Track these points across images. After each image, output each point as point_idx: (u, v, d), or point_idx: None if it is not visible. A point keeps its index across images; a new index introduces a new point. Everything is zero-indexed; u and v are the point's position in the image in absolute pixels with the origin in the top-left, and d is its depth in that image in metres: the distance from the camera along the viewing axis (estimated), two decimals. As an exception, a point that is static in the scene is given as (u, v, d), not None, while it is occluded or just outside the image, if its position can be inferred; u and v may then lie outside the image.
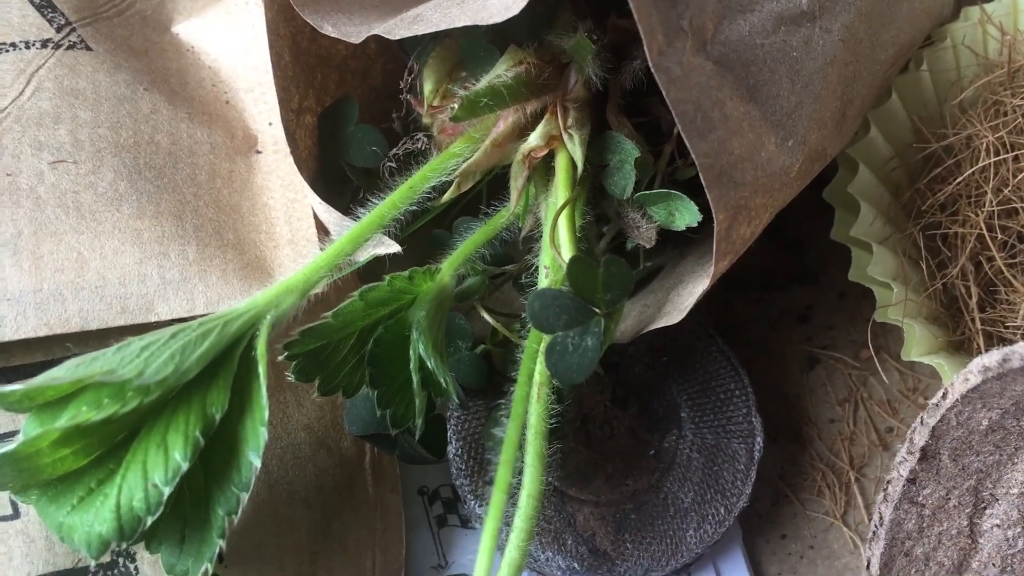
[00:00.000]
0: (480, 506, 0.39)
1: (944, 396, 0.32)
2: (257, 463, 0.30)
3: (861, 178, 0.41)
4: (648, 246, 0.34)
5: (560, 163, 0.35)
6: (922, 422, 0.33)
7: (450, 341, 0.38)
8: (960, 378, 0.31)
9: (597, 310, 0.30)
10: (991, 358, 0.29)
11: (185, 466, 0.29)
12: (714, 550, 0.40)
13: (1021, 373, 0.29)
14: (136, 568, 0.33)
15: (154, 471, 0.29)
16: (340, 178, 0.39)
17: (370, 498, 0.38)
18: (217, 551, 0.31)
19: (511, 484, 0.30)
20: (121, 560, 0.33)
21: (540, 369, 0.34)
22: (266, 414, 0.30)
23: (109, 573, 0.32)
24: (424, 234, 0.40)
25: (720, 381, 0.41)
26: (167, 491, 0.29)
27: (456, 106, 0.32)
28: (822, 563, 0.41)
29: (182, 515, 0.32)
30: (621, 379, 0.41)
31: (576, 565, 0.38)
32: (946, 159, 0.41)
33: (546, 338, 0.31)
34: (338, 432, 0.38)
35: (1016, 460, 0.34)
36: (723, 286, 0.46)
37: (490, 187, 0.40)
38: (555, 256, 0.33)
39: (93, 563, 0.32)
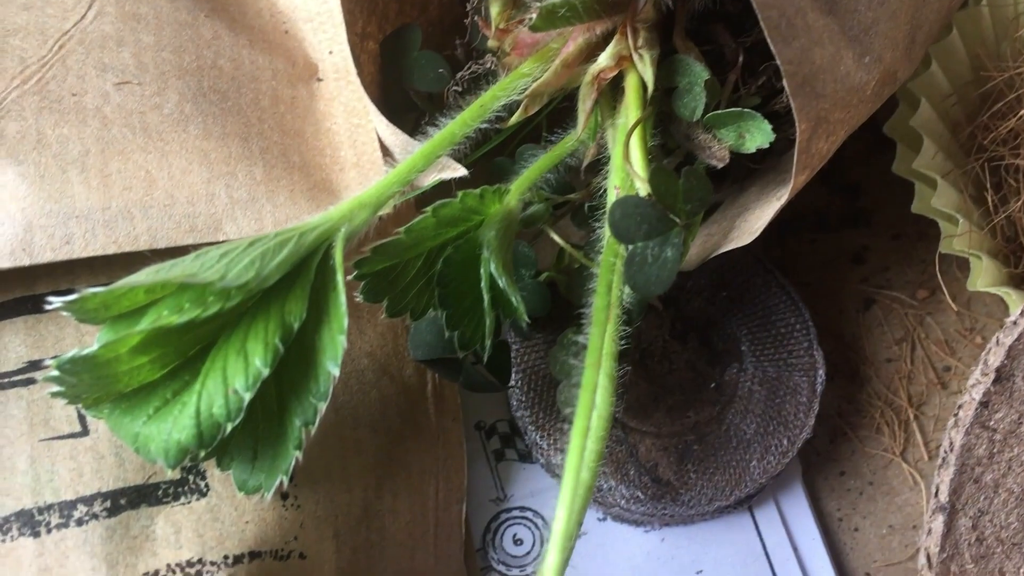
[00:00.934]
0: (541, 437, 0.39)
1: (1022, 313, 0.32)
2: (336, 372, 0.30)
3: (923, 112, 0.41)
4: (720, 166, 0.34)
5: (630, 83, 0.35)
6: (998, 342, 0.33)
7: (515, 268, 0.38)
8: (1041, 292, 0.31)
9: (677, 220, 0.30)
10: (1078, 267, 0.29)
11: (266, 372, 0.29)
12: (775, 486, 0.40)
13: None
14: (207, 485, 0.33)
15: (234, 377, 0.29)
16: (403, 105, 0.39)
17: (432, 426, 0.38)
18: (293, 463, 0.31)
19: (596, 384, 0.30)
20: (191, 477, 0.33)
21: (613, 293, 0.34)
22: (345, 322, 0.30)
23: (179, 489, 0.32)
24: (486, 165, 0.39)
25: (780, 315, 0.41)
26: (247, 396, 0.29)
27: (535, 16, 0.32)
28: (881, 499, 0.41)
29: (254, 431, 0.32)
30: (680, 314, 0.41)
31: (640, 494, 0.38)
32: (1007, 94, 0.41)
33: (623, 251, 0.31)
34: (400, 360, 0.38)
35: (1091, 382, 0.33)
36: (777, 228, 0.46)
37: (550, 119, 0.40)
38: (628, 173, 0.32)
39: (167, 476, 0.32)
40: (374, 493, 0.35)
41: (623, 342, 0.34)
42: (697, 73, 0.35)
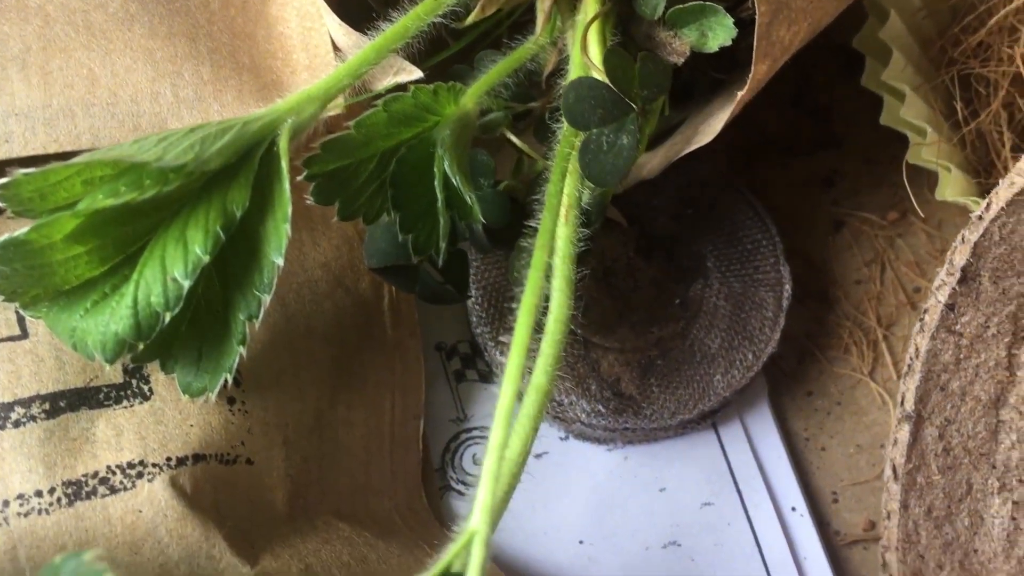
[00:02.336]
0: (501, 354, 0.38)
1: (987, 207, 0.31)
2: (280, 262, 0.29)
3: (892, 24, 0.40)
4: (680, 61, 0.33)
5: (589, -20, 0.34)
6: (963, 240, 0.32)
7: (473, 179, 0.37)
8: (1005, 183, 0.30)
9: (634, 105, 0.29)
10: (1043, 149, 0.28)
11: (206, 259, 0.28)
12: (740, 406, 0.39)
13: (1073, 169, 0.29)
14: (151, 389, 0.32)
15: (173, 265, 0.28)
16: (360, 10, 0.37)
17: (389, 340, 0.37)
18: (236, 360, 0.30)
19: (547, 264, 0.29)
20: (135, 381, 0.32)
21: (568, 191, 0.33)
22: (288, 210, 0.29)
23: (122, 393, 0.31)
24: (445, 74, 0.38)
25: (747, 232, 0.40)
26: (187, 284, 0.28)
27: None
28: (849, 419, 0.41)
29: (199, 333, 0.31)
30: (646, 231, 0.40)
31: (601, 408, 0.37)
32: (978, 6, 0.40)
33: (579, 142, 0.30)
34: (356, 273, 0.37)
35: (1059, 282, 0.33)
36: (748, 152, 0.45)
37: (511, 30, 0.39)
38: (587, 67, 0.32)
39: (109, 380, 0.31)
40: (327, 404, 0.35)
41: (582, 245, 0.33)
42: (658, -29, 0.34)
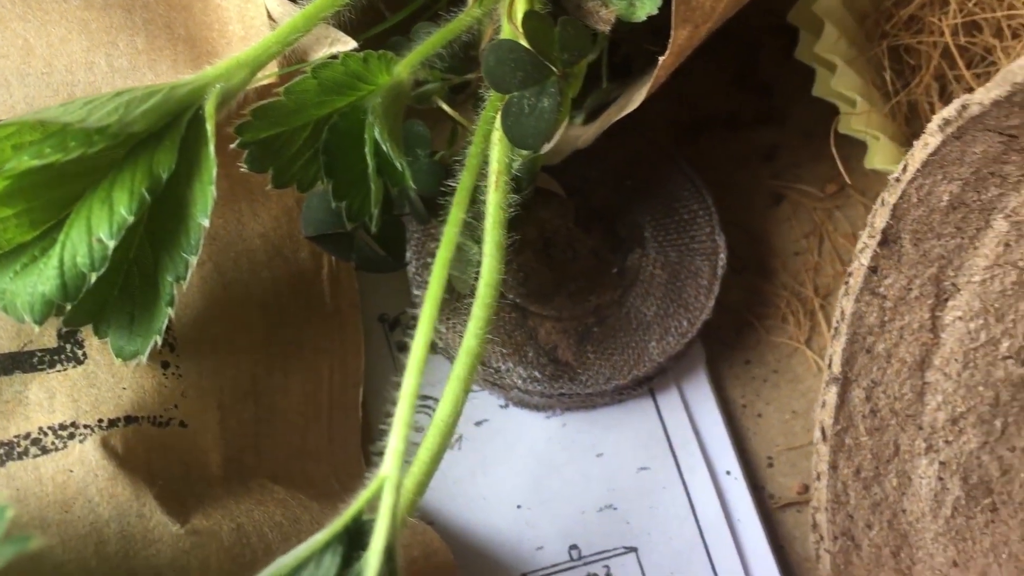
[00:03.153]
0: (440, 322, 0.39)
1: (904, 169, 0.32)
2: (205, 223, 0.29)
3: (825, -2, 0.41)
4: (606, 28, 0.34)
5: (518, -50, 0.34)
6: (882, 202, 0.33)
7: (409, 149, 0.37)
8: (919, 144, 0.31)
9: (554, 69, 0.30)
10: (949, 109, 0.29)
11: (130, 220, 0.28)
12: (678, 374, 0.40)
13: (981, 129, 0.29)
14: (84, 354, 0.32)
15: (98, 226, 0.28)
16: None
17: (327, 309, 0.37)
18: (166, 322, 0.30)
19: (462, 220, 0.30)
20: (68, 346, 0.32)
21: (498, 158, 0.34)
22: (214, 172, 0.29)
23: (56, 357, 0.32)
24: (382, 44, 0.39)
25: (684, 202, 0.41)
26: (111, 244, 0.28)
27: None
28: (785, 386, 0.41)
29: (131, 297, 0.31)
30: (584, 203, 0.41)
31: (538, 374, 0.38)
32: (911, -20, 0.41)
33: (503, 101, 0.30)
34: (295, 243, 0.37)
35: (977, 244, 0.33)
36: (690, 127, 0.46)
37: (449, 4, 0.39)
38: (514, 33, 0.32)
39: (42, 344, 0.32)
40: (264, 370, 0.35)
41: (512, 210, 0.34)
42: (587, -58, 0.35)
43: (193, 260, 0.30)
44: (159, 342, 0.30)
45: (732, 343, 0.42)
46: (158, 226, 0.30)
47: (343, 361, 0.37)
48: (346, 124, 0.33)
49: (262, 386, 0.35)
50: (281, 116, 0.33)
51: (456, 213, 0.30)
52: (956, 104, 0.29)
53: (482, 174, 0.34)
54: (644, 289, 0.39)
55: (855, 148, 0.42)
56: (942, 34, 0.40)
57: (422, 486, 0.31)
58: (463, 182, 0.30)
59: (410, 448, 0.29)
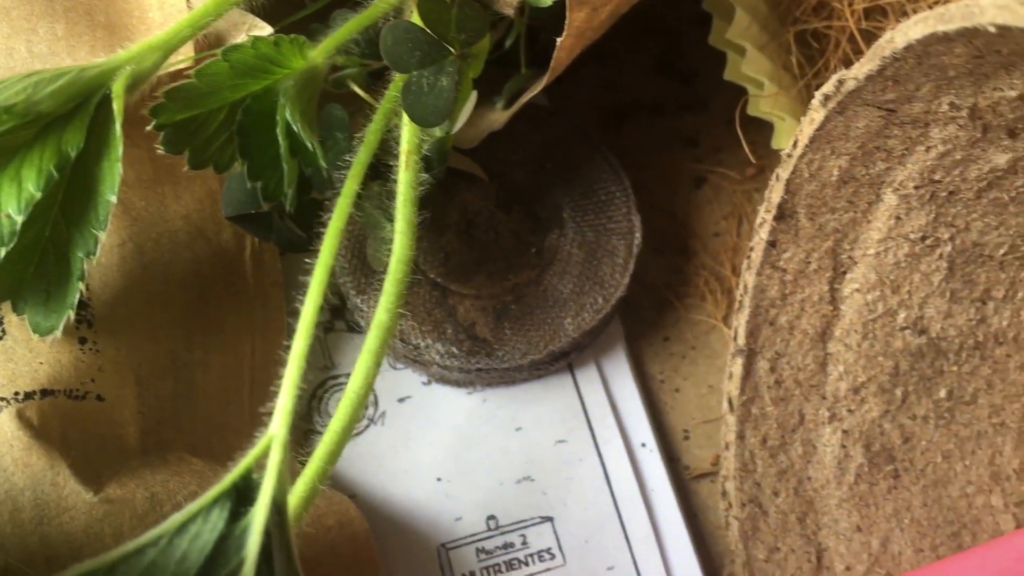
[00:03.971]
0: (362, 301, 0.40)
1: (795, 145, 0.33)
2: (113, 199, 0.30)
3: (737, -16, 0.42)
4: (510, 13, 0.35)
5: (426, -63, 0.35)
6: (777, 178, 0.34)
7: (328, 132, 0.38)
8: (806, 120, 0.32)
9: (452, 49, 0.31)
10: (828, 85, 0.30)
11: (38, 195, 0.29)
12: (597, 351, 0.41)
13: (860, 103, 0.30)
14: (3, 330, 0.33)
15: (8, 202, 0.29)
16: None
17: (249, 288, 0.38)
18: (78, 297, 0.31)
19: (355, 192, 0.31)
20: (-13, 323, 0.33)
21: (408, 138, 0.35)
22: (120, 150, 0.30)
23: (-25, 335, 0.33)
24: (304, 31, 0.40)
25: (602, 184, 0.42)
26: (20, 220, 0.29)
27: None
28: (703, 362, 0.42)
29: (46, 274, 0.32)
30: (505, 185, 0.42)
31: (455, 350, 0.39)
32: (820, -33, 0.42)
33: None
34: (218, 225, 0.38)
35: (870, 217, 0.35)
36: (616, 115, 0.47)
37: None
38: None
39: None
40: (183, 346, 0.36)
41: (422, 188, 0.35)
42: (495, -71, 0.36)
43: (102, 236, 0.31)
44: (72, 316, 0.31)
45: (652, 321, 0.43)
46: (71, 205, 0.31)
47: (265, 339, 0.38)
48: (259, 106, 0.34)
49: (181, 362, 0.36)
50: (195, 98, 0.34)
51: (350, 185, 0.31)
52: (834, 79, 0.30)
53: (395, 155, 0.36)
54: (561, 268, 0.40)
55: (769, 131, 0.43)
56: (849, 18, 0.41)
57: (333, 455, 0.32)
58: (359, 157, 0.31)
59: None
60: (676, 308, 0.43)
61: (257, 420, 0.38)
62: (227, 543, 0.24)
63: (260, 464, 0.25)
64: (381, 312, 0.33)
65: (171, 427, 0.35)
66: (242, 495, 0.25)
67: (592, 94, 0.48)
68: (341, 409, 0.32)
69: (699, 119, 0.47)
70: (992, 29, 0.23)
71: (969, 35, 0.25)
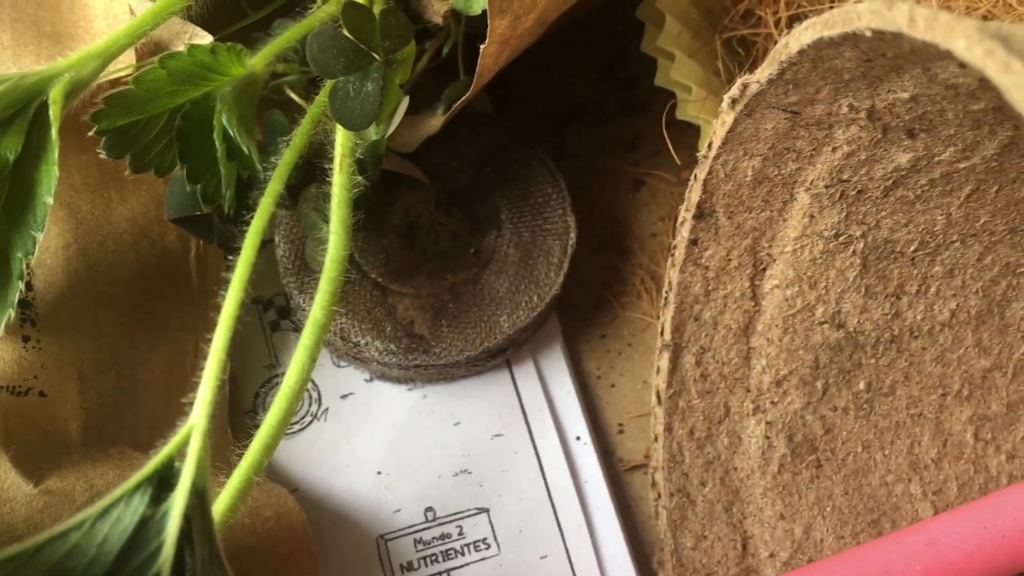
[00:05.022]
0: (305, 300, 0.41)
1: (709, 146, 0.34)
2: (50, 201, 0.32)
3: (668, -7, 0.43)
4: (439, 22, 0.36)
5: (359, -51, 0.37)
6: (695, 178, 0.36)
7: (269, 138, 0.40)
8: (718, 123, 0.33)
9: (376, 56, 0.32)
10: (733, 89, 0.32)
11: (-25, 197, 0.30)
12: (535, 348, 0.43)
13: (766, 106, 0.32)
14: (-51, 331, 0.34)
15: (-54, 204, 0.31)
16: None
17: (194, 288, 0.40)
18: (18, 296, 0.33)
19: (279, 192, 0.32)
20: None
21: (342, 141, 0.36)
22: (56, 154, 0.32)
23: (-79, 333, 0.34)
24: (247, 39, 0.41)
25: (539, 186, 0.43)
26: (-44, 221, 0.30)
27: None
28: (638, 358, 0.44)
29: (-9, 276, 0.33)
30: (446, 188, 0.43)
31: (393, 347, 0.40)
32: (749, -24, 0.44)
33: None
34: (163, 227, 0.40)
35: (786, 216, 0.36)
36: (558, 119, 0.49)
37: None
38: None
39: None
40: (126, 344, 0.37)
41: (356, 191, 0.36)
42: (427, -59, 0.37)
43: (39, 236, 0.32)
44: (12, 315, 0.32)
45: (590, 319, 0.44)
46: (11, 208, 0.33)
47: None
48: (198, 112, 0.36)
49: (124, 359, 0.37)
50: (135, 104, 0.35)
51: (273, 186, 0.32)
52: (739, 83, 0.31)
53: (331, 158, 0.37)
54: (498, 267, 0.42)
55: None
56: (776, 26, 0.42)
57: (269, 448, 0.33)
58: (284, 159, 0.33)
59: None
60: (613, 306, 0.45)
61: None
62: (147, 527, 0.25)
63: (182, 452, 0.26)
64: (316, 310, 0.35)
65: (113, 422, 0.36)
66: (163, 481, 0.26)
67: (536, 99, 0.49)
68: (276, 404, 0.33)
69: (639, 123, 0.49)
70: (869, 33, 0.25)
71: (853, 39, 0.26)
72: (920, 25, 0.22)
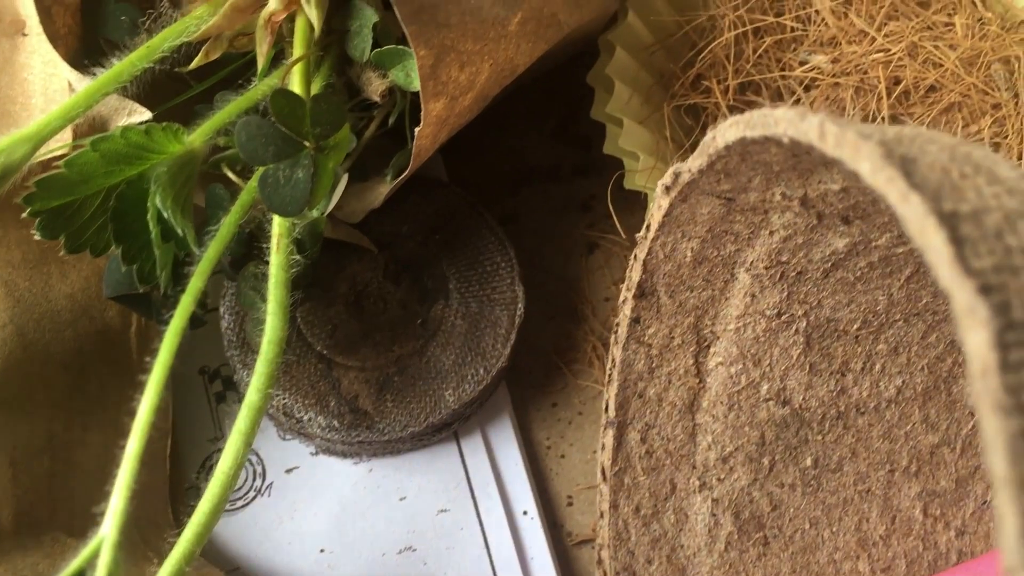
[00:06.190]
0: (248, 374, 0.40)
1: (647, 228, 0.34)
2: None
3: (618, 60, 0.43)
4: (378, 99, 0.36)
5: (298, 25, 0.36)
6: (635, 258, 0.35)
7: (213, 212, 0.39)
8: (654, 206, 0.33)
9: (306, 143, 0.32)
10: (666, 176, 0.31)
11: None
12: (483, 418, 0.42)
13: (700, 193, 0.32)
14: None
15: None
16: (101, 55, 0.40)
17: (134, 364, 0.39)
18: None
19: (200, 289, 0.31)
20: None
21: (279, 221, 0.36)
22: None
23: None
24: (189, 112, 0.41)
25: (488, 255, 0.43)
26: None
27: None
28: (589, 427, 0.43)
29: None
30: (394, 256, 0.43)
31: (336, 423, 0.39)
32: (699, 42, 0.44)
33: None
34: (103, 303, 0.39)
35: (728, 295, 0.36)
36: (513, 180, 0.48)
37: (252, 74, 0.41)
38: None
39: None
40: (62, 426, 0.37)
41: (295, 271, 0.36)
42: (367, 16, 0.37)
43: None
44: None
45: (541, 386, 0.44)
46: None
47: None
48: (133, 192, 0.35)
49: (59, 441, 0.36)
50: (68, 186, 0.35)
51: (195, 283, 0.32)
52: (671, 171, 0.31)
53: (269, 236, 0.37)
54: (445, 339, 0.41)
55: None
56: (725, 94, 0.42)
57: (201, 537, 0.33)
58: (208, 253, 0.32)
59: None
60: (564, 374, 0.44)
61: (140, 498, 0.39)
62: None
63: (92, 564, 0.26)
64: (252, 393, 0.34)
65: (46, 507, 0.35)
66: (74, 594, 0.25)
67: (491, 160, 0.49)
68: (209, 490, 0.33)
69: (593, 185, 0.49)
70: (786, 140, 0.24)
71: (774, 141, 0.26)
72: (830, 141, 0.22)
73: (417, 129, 0.34)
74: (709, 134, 0.29)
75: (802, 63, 0.42)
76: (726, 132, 0.27)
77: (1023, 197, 0.20)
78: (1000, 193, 0.20)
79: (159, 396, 0.30)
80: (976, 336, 0.17)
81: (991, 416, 0.16)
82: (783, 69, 0.42)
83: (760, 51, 0.42)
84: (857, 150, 0.21)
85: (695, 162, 0.30)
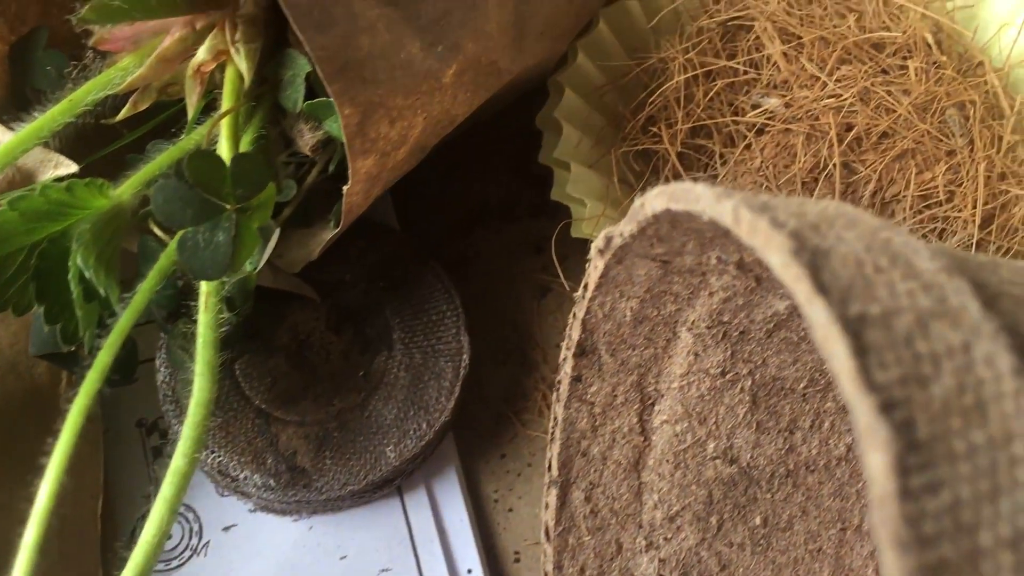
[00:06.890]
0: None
1: (584, 288, 0.33)
2: None
3: (566, 102, 0.42)
4: (308, 153, 0.35)
5: (228, 76, 0.35)
6: (574, 316, 0.34)
7: (146, 265, 0.38)
8: (591, 267, 0.32)
9: (227, 206, 0.31)
10: (599, 239, 0.30)
11: None
12: (428, 472, 0.41)
13: (634, 255, 0.30)
14: None
15: None
16: (31, 104, 0.39)
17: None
18: None
19: (108, 363, 0.30)
20: None
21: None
22: None
23: None
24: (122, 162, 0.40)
25: (433, 303, 0.42)
26: None
27: (87, 9, 0.32)
28: (538, 480, 0.42)
29: None
30: (337, 304, 0.42)
31: (272, 482, 0.38)
32: (650, 84, 0.43)
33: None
34: (32, 359, 0.38)
35: (671, 353, 0.35)
36: (466, 219, 0.47)
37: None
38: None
39: None
40: (-15, 490, 0.35)
41: (223, 329, 0.35)
42: (300, 66, 0.36)
43: None
44: None
45: (489, 436, 0.43)
46: None
47: (80, 475, 0.38)
48: (55, 250, 0.34)
49: (-18, 507, 0.35)
50: (-14, 245, 0.33)
51: (93, 376, 0.30)
52: (603, 235, 0.30)
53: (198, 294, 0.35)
54: (387, 392, 0.40)
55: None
56: (673, 140, 0.41)
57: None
58: (119, 325, 0.31)
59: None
60: (514, 423, 0.43)
61: (70, 560, 0.37)
62: None
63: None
64: (178, 458, 0.33)
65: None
66: None
67: (443, 200, 0.48)
68: (132, 560, 0.32)
69: (548, 226, 0.47)
70: (705, 218, 0.23)
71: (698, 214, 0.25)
72: (743, 228, 0.21)
73: (345, 188, 0.33)
74: (638, 200, 0.28)
75: (755, 106, 0.41)
76: (653, 201, 0.26)
77: (939, 294, 0.19)
78: (915, 290, 0.19)
79: (59, 481, 0.29)
80: (875, 459, 0.16)
81: (887, 551, 0.15)
82: (735, 112, 0.41)
83: (711, 94, 0.41)
84: (768, 241, 0.20)
85: (627, 227, 0.29)
